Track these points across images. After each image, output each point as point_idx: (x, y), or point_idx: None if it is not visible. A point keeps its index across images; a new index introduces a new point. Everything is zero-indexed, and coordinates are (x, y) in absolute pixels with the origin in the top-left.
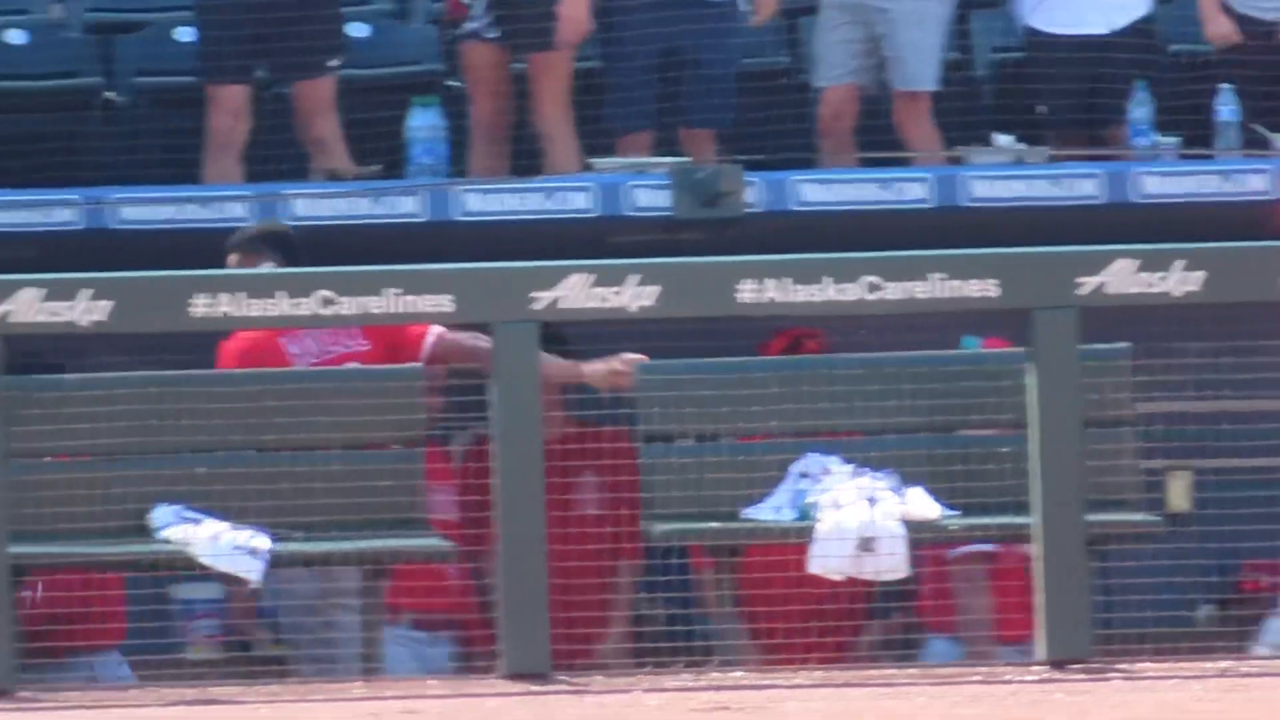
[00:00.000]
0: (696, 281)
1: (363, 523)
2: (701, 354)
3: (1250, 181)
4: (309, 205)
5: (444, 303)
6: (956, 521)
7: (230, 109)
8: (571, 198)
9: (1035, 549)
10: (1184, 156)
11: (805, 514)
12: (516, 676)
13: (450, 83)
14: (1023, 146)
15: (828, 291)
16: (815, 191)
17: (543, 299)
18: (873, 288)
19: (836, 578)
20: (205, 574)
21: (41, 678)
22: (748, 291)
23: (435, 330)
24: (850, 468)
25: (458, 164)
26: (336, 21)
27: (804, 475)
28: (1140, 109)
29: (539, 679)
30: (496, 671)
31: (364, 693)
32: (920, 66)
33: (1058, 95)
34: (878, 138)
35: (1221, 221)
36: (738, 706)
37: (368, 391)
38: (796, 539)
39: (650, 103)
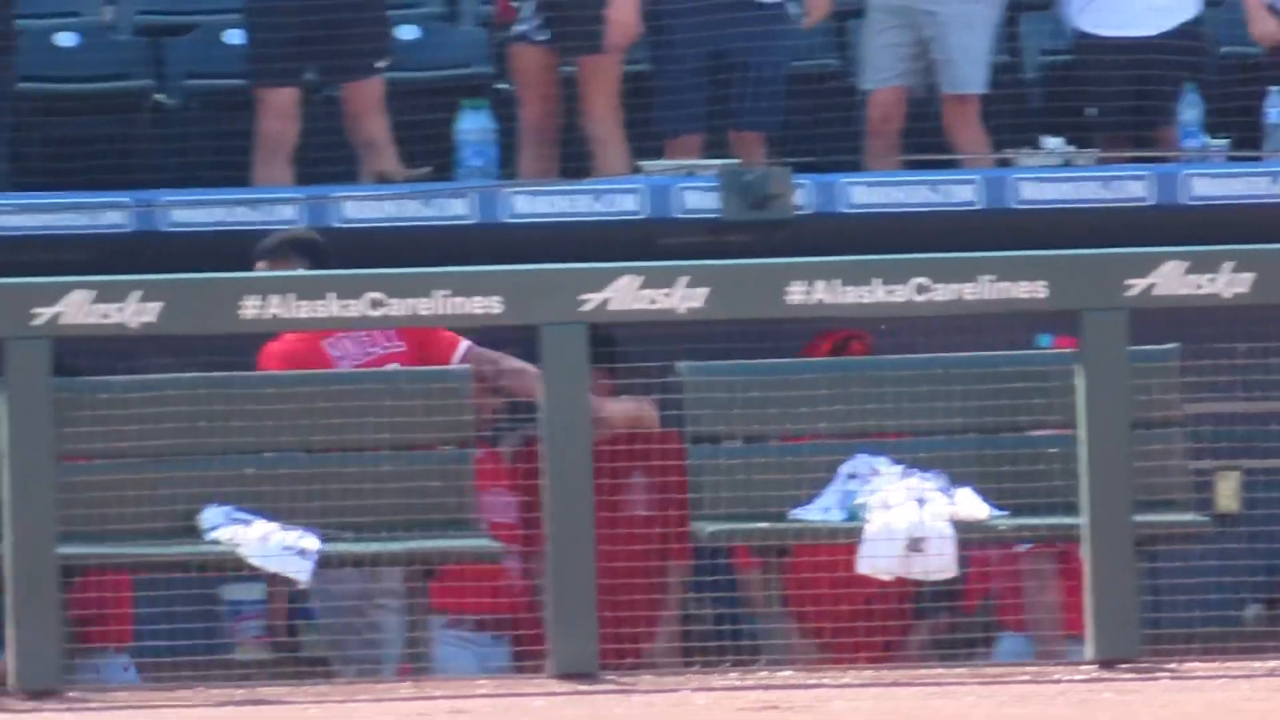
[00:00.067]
0: (746, 283)
1: (411, 523)
2: (740, 356)
3: None
4: (358, 208)
5: (493, 304)
6: (1005, 522)
7: (280, 111)
8: (620, 200)
9: (1084, 549)
10: (1233, 158)
11: (854, 515)
12: (565, 676)
13: (500, 85)
14: (1071, 149)
15: (877, 293)
16: (864, 194)
17: (592, 301)
18: (922, 289)
19: (885, 578)
20: (254, 575)
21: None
22: (797, 293)
23: (465, 342)
24: (899, 468)
25: (507, 166)
26: (384, 22)
27: (853, 476)
28: (1189, 111)
29: (587, 678)
30: (545, 671)
31: (412, 693)
32: (969, 69)
33: (1106, 97)
34: (926, 140)
35: (1271, 223)
36: (786, 705)
37: (417, 393)
38: (845, 539)
39: (700, 105)
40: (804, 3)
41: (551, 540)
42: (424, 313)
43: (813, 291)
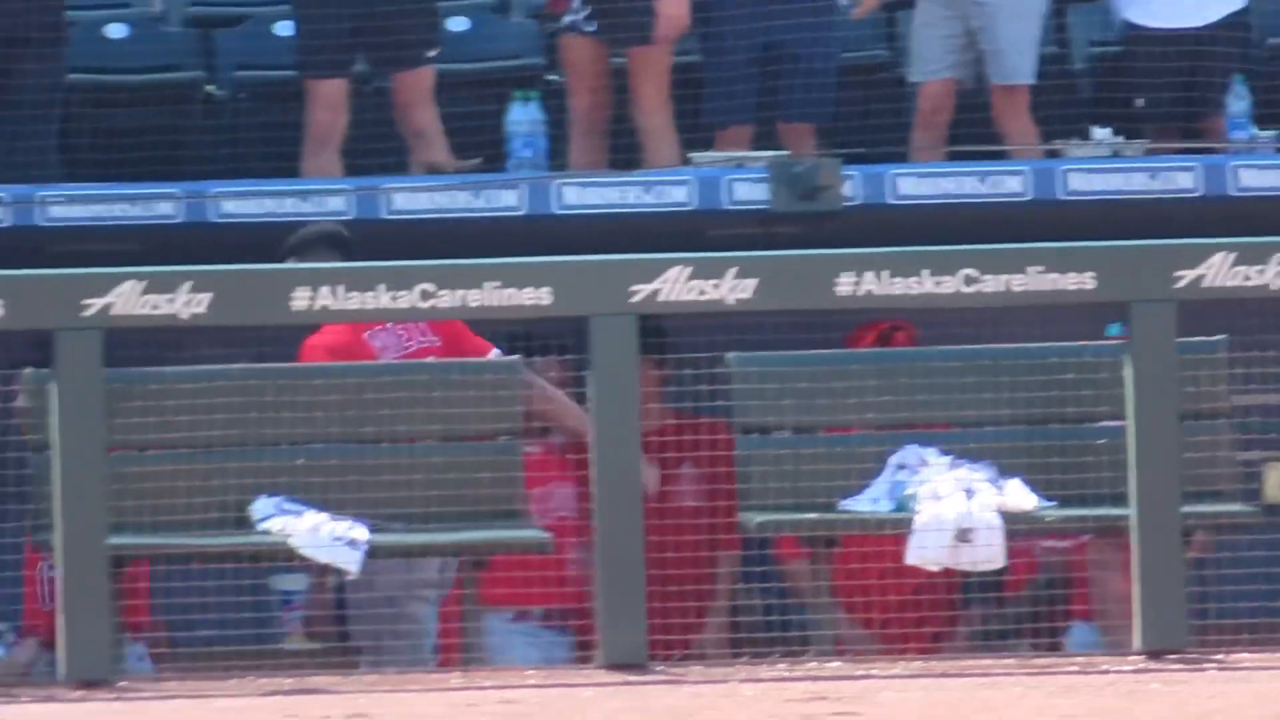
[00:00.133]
0: (794, 274)
1: (460, 514)
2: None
3: None
4: (408, 199)
5: (542, 296)
6: (1053, 513)
7: (329, 103)
8: (670, 191)
9: (1132, 540)
10: None
11: (903, 505)
12: (614, 667)
13: (550, 77)
14: (1120, 140)
15: (925, 284)
16: (913, 185)
17: (641, 291)
18: (970, 280)
19: (934, 568)
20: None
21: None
22: (846, 284)
23: (495, 351)
24: (948, 459)
25: (557, 158)
26: (433, 12)
27: (902, 467)
28: (1238, 102)
29: (636, 669)
30: (594, 662)
31: (461, 682)
32: (1018, 60)
33: (1155, 89)
34: (975, 131)
35: None
36: (834, 696)
37: (467, 383)
38: (894, 530)
39: (749, 96)
40: None
41: (600, 531)
42: (474, 304)
43: (861, 282)
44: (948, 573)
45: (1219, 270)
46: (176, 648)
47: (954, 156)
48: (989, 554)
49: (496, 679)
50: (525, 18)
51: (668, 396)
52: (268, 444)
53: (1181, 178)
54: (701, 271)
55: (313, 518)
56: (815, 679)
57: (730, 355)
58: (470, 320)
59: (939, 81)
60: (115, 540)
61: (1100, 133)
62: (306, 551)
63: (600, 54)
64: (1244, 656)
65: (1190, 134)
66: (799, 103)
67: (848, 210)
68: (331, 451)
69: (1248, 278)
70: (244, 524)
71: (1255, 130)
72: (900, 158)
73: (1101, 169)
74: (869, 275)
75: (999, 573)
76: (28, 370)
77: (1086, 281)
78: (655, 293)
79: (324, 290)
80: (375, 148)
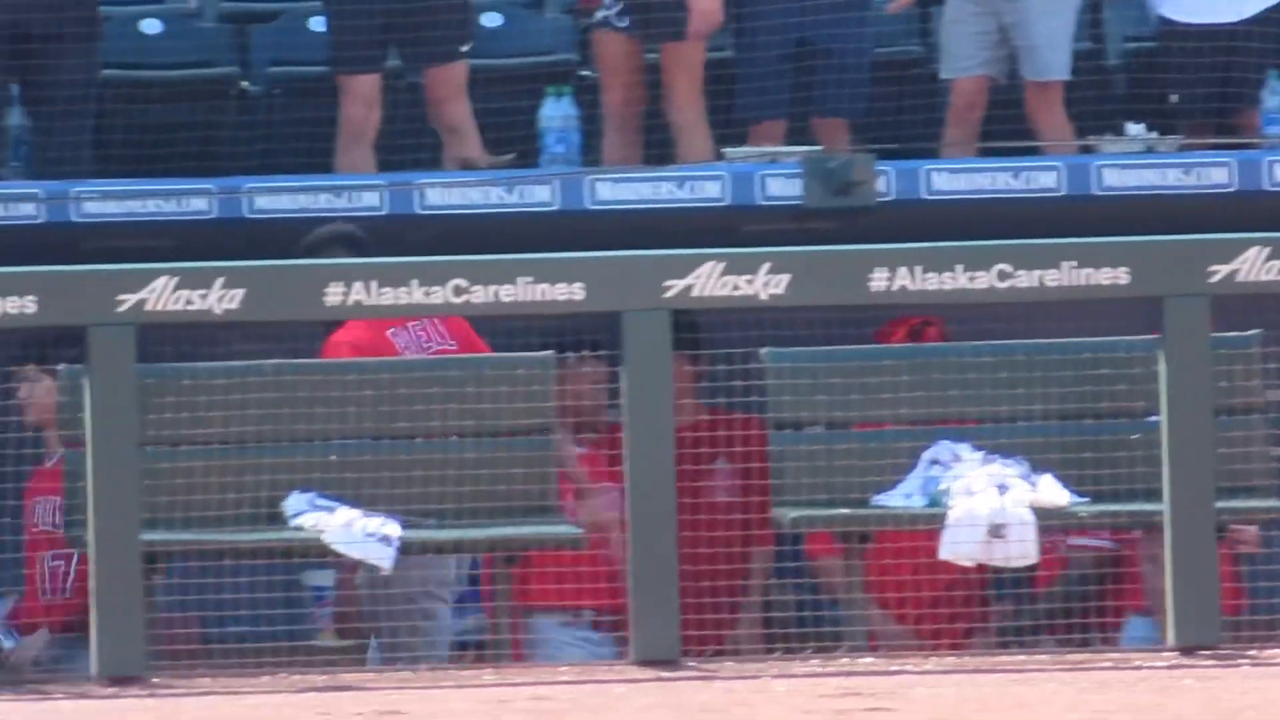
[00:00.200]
0: (828, 270)
1: (493, 510)
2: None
3: None
4: (442, 194)
5: (576, 291)
6: (1086, 509)
7: (363, 98)
8: (703, 187)
9: (1165, 536)
10: None
11: (936, 501)
12: (646, 663)
13: (584, 72)
14: (1154, 135)
15: (959, 279)
16: (946, 180)
17: (674, 287)
18: (1004, 275)
19: (967, 564)
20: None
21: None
22: (879, 280)
23: None
24: (981, 455)
25: (590, 153)
26: (466, 6)
27: (935, 462)
28: (1272, 97)
29: (668, 665)
30: (626, 657)
31: (494, 679)
32: (1051, 55)
33: (1189, 84)
34: (1008, 127)
35: None
36: (867, 692)
37: (500, 379)
38: (927, 526)
39: (783, 92)
40: None
41: (634, 527)
42: (507, 299)
43: (895, 278)
44: (980, 568)
45: (1253, 265)
46: (209, 644)
47: (986, 152)
48: (1022, 550)
49: (528, 675)
50: (559, 13)
51: (701, 392)
52: (300, 439)
53: (1216, 173)
54: (735, 267)
55: (345, 514)
56: (848, 674)
57: (764, 351)
58: (503, 315)
59: (971, 78)
60: (148, 536)
61: (1134, 128)
62: (339, 547)
63: (633, 49)
64: (1277, 652)
65: (1225, 129)
66: (833, 98)
67: (881, 206)
68: (364, 447)
69: None
70: (277, 520)
71: None
72: (932, 154)
73: (1136, 164)
74: (903, 271)
75: (1027, 569)
76: (61, 365)
77: (1120, 276)
78: (689, 288)
79: (357, 285)
80: (409, 143)
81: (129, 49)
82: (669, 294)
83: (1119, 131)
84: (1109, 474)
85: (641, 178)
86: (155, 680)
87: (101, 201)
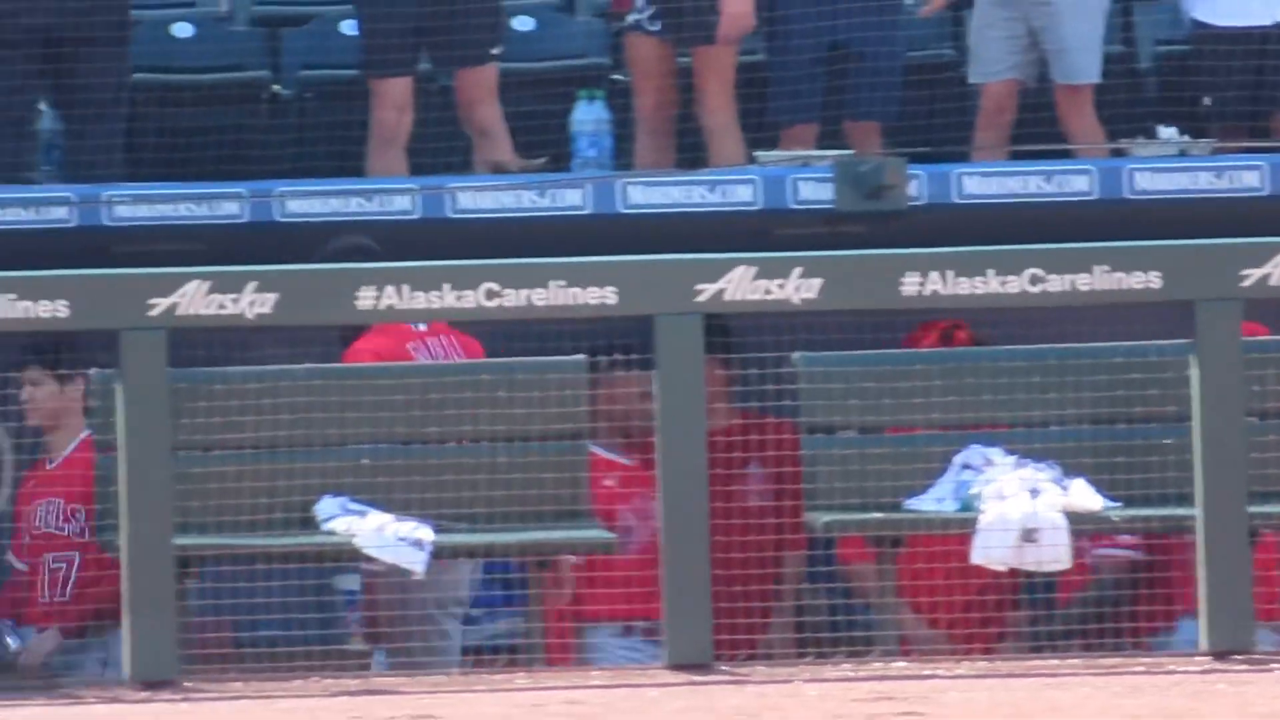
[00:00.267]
0: (860, 274)
1: (525, 514)
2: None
3: None
4: (474, 198)
5: (608, 295)
6: (1119, 513)
7: (394, 102)
8: (735, 190)
9: (1198, 540)
10: None
11: (968, 505)
12: (679, 667)
13: (615, 76)
14: (1187, 139)
15: (991, 284)
16: (978, 184)
17: (706, 291)
18: (1035, 280)
19: (999, 568)
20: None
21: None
22: (911, 284)
23: None
24: (1013, 459)
25: (622, 157)
26: (497, 9)
27: (967, 466)
28: None
29: (701, 669)
30: (659, 661)
31: (527, 683)
32: (1082, 59)
33: (1222, 87)
34: (1039, 130)
35: None
36: (900, 696)
37: (531, 384)
38: (959, 530)
39: (815, 95)
40: None
41: (666, 531)
42: (539, 303)
43: (926, 282)
44: (1011, 573)
45: None
46: (241, 648)
47: (1016, 156)
48: (1054, 554)
49: (562, 679)
50: (591, 17)
51: (733, 396)
52: (332, 444)
53: (1248, 176)
54: (767, 271)
55: (377, 518)
56: (880, 679)
57: (796, 355)
58: (536, 320)
59: (1001, 82)
60: (180, 540)
61: (1167, 132)
62: (371, 552)
63: (665, 53)
64: None
65: (1257, 133)
66: (864, 101)
67: (913, 210)
68: (396, 451)
69: None
70: (309, 524)
71: None
72: (964, 157)
73: (1168, 168)
74: (934, 275)
75: (1053, 574)
76: (93, 370)
77: (1152, 280)
78: (720, 292)
79: (389, 290)
80: (440, 147)
81: (160, 53)
82: (701, 298)
83: (1151, 135)
84: (1141, 478)
85: (673, 181)
86: (187, 684)
87: (133, 205)
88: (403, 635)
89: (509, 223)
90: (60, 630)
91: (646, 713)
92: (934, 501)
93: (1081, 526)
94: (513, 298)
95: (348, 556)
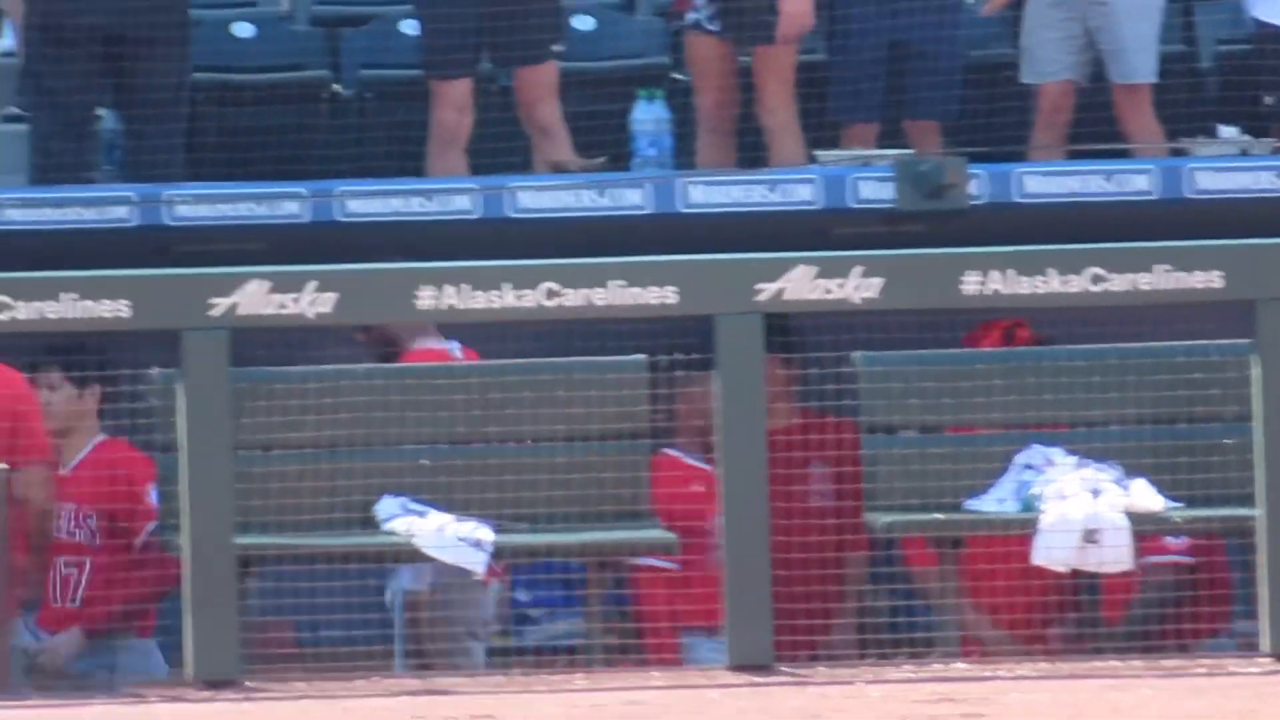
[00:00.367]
0: (920, 273)
1: (586, 515)
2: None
3: None
4: (534, 197)
5: (668, 294)
6: (1181, 513)
7: (455, 103)
8: (795, 190)
9: (1259, 540)
10: None
11: (1029, 505)
12: (740, 668)
13: (676, 75)
14: (1248, 138)
15: (1052, 283)
16: (1038, 183)
17: (767, 290)
18: (1097, 279)
19: (1060, 569)
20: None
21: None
22: (972, 283)
23: None
24: (1074, 459)
25: (682, 156)
26: (556, 8)
27: (1028, 467)
28: None
29: (762, 670)
30: (720, 663)
31: (586, 684)
32: (1138, 59)
33: None
34: (1098, 130)
35: None
36: (960, 698)
37: (591, 384)
38: (1020, 530)
39: (875, 94)
40: None
41: (727, 531)
42: (599, 303)
43: (987, 282)
44: (1072, 574)
45: None
46: (303, 647)
47: (1073, 155)
48: (1116, 555)
49: (621, 680)
50: (651, 16)
51: (794, 395)
52: (392, 444)
53: None
54: (827, 270)
55: (438, 518)
56: (942, 680)
57: (857, 354)
58: (596, 319)
59: (1056, 83)
60: (242, 540)
61: (1228, 131)
62: (431, 552)
63: (725, 52)
64: None
65: None
66: (925, 100)
67: (973, 209)
68: (456, 452)
69: None
70: (369, 524)
71: None
72: (1023, 157)
73: (1229, 167)
74: (994, 274)
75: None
76: (154, 369)
77: (1214, 280)
78: (781, 291)
79: (449, 289)
80: (500, 146)
81: (221, 52)
82: (761, 297)
83: (1212, 134)
84: (1202, 478)
85: (733, 181)
86: (249, 684)
87: (194, 205)
88: (434, 653)
89: (569, 222)
90: (83, 632)
91: (707, 713)
92: (995, 502)
93: (1142, 527)
94: (572, 297)
95: (407, 557)
